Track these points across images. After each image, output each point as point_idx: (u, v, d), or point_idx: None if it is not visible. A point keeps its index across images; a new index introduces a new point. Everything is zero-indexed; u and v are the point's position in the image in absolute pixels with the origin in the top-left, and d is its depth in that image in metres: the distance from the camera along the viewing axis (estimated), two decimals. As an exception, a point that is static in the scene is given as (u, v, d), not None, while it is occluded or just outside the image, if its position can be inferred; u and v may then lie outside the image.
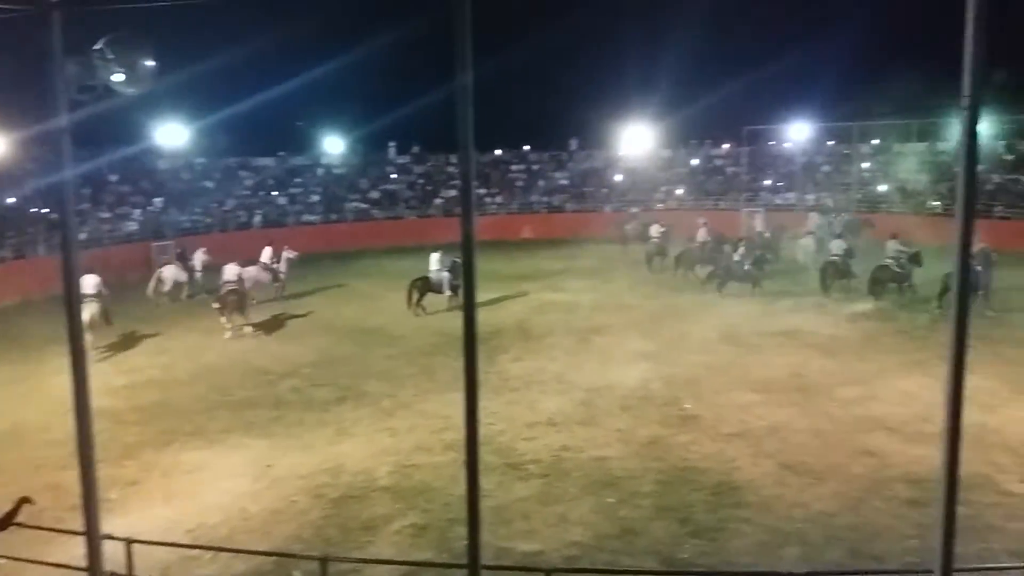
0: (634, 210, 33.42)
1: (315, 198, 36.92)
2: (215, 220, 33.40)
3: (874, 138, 37.79)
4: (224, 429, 12.50)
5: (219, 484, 10.44)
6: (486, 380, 13.85)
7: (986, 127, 28.42)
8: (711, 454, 10.85)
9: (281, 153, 38.93)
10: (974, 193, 4.84)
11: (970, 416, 10.72)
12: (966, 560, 6.81)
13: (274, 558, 8.30)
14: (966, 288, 5.00)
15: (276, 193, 36.37)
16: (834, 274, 21.08)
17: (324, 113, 38.82)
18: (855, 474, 10.09)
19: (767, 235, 27.53)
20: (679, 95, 36.65)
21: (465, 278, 4.75)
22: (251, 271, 21.50)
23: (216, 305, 18.80)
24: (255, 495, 10.10)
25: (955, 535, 5.49)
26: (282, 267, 23.44)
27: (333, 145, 39.08)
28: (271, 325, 19.65)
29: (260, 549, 8.49)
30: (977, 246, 19.97)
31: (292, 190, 36.96)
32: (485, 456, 10.44)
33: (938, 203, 30.75)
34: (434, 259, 20.49)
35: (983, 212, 28.68)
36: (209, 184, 35.29)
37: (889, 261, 20.26)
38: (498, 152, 40.93)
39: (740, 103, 35.34)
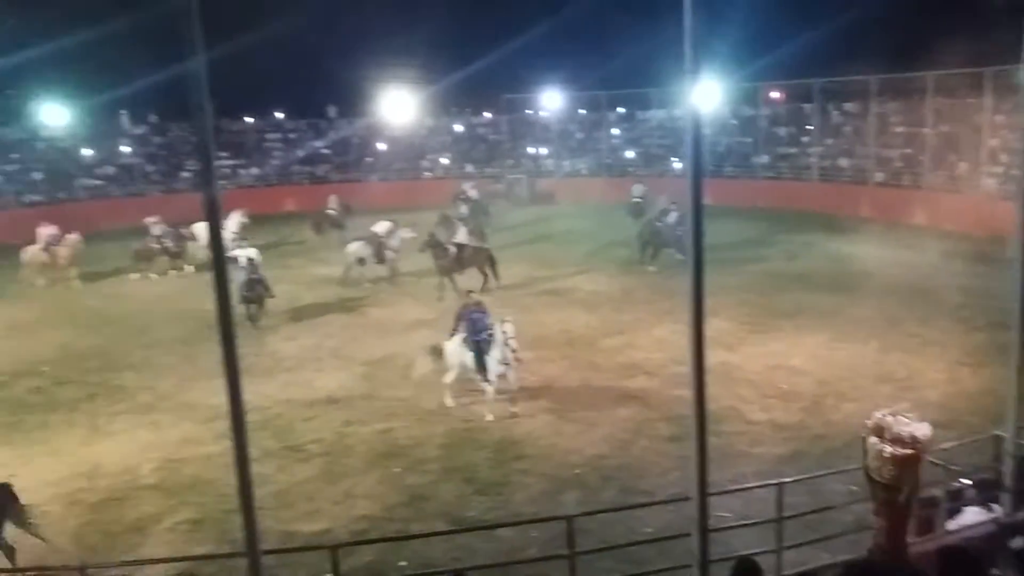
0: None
1: (37, 175, 32.56)
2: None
3: (620, 106, 40.47)
4: (-52, 443, 10.88)
5: (-52, 504, 9.08)
6: (257, 363, 13.21)
7: (713, 94, 31.37)
8: (491, 412, 11.16)
9: (-17, 125, 33.53)
10: (700, 154, 5.40)
11: (715, 356, 12.03)
12: (720, 485, 7.59)
13: (25, 577, 7.41)
14: (701, 241, 5.50)
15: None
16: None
17: (39, 81, 33.75)
18: (622, 417, 10.87)
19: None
20: (439, 63, 36.73)
21: (215, 249, 4.43)
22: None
23: None
24: (-5, 511, 8.90)
25: (708, 464, 6.12)
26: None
27: (54, 116, 33.96)
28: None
29: (4, 568, 7.53)
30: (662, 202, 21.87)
31: (6, 167, 32.21)
32: (263, 441, 10.05)
33: (680, 165, 33.61)
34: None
35: (714, 172, 31.95)
36: None
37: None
38: (249, 120, 38.56)
39: (499, 71, 36.03)
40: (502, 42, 33.83)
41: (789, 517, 6.72)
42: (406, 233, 19.63)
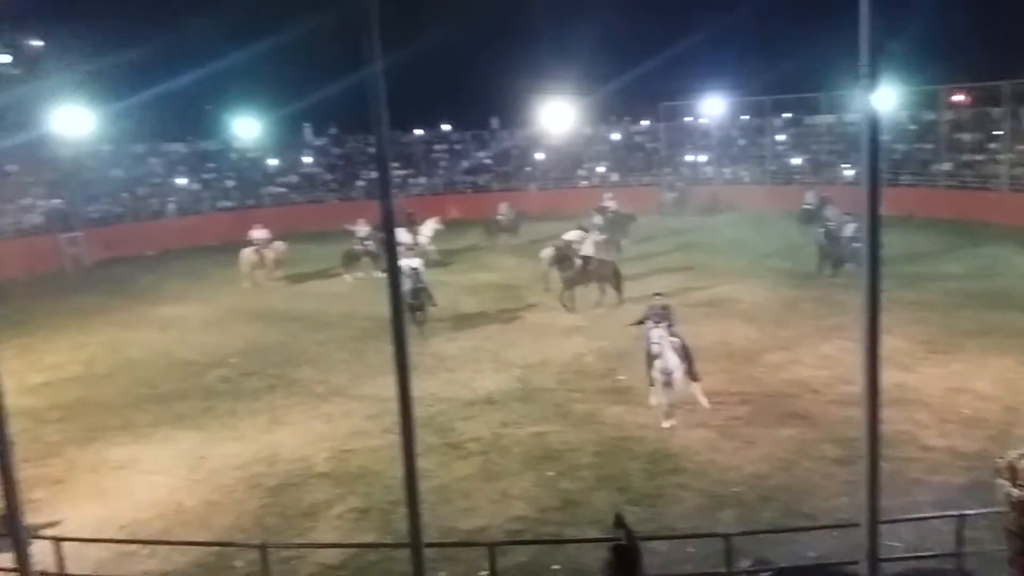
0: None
1: (230, 183, 35.72)
2: (126, 209, 32.04)
3: (786, 111, 38.82)
4: (152, 423, 12.15)
5: (151, 478, 10.17)
6: (421, 361, 13.76)
7: (890, 98, 29.56)
8: (646, 423, 11.08)
9: (190, 138, 37.37)
10: (877, 162, 5.14)
11: (889, 376, 11.35)
12: (891, 513, 7.16)
13: (214, 550, 8.15)
14: (877, 253, 5.21)
15: (187, 180, 34.92)
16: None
17: (234, 96, 37.25)
18: (784, 436, 10.47)
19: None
20: (597, 73, 36.90)
21: (389, 254, 4.69)
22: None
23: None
24: (190, 488, 9.88)
25: (879, 490, 5.80)
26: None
27: (245, 128, 37.29)
28: (192, 316, 19.07)
29: (199, 540, 8.32)
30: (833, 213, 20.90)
31: (205, 176, 35.62)
32: (424, 437, 10.46)
33: (851, 172, 31.88)
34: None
35: (890, 180, 29.99)
36: (118, 172, 33.64)
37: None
38: (419, 132, 40.48)
39: (656, 79, 35.66)
40: (662, 49, 33.51)
41: (971, 553, 6.25)
42: (598, 238, 19.74)
